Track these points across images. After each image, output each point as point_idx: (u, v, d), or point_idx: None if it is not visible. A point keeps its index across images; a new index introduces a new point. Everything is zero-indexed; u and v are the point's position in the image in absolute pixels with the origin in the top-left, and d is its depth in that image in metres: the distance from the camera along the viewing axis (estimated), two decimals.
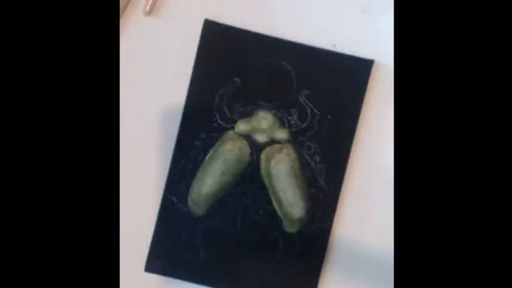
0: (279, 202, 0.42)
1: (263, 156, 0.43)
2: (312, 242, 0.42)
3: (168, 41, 0.44)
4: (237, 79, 0.43)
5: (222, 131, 0.43)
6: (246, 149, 0.43)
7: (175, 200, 0.43)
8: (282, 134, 0.43)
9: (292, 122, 0.43)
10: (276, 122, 0.43)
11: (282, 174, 0.42)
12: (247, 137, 0.43)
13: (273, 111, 0.43)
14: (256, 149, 0.43)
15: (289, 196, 0.42)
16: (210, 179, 0.43)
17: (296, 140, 0.43)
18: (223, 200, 0.43)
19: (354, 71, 0.43)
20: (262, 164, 0.43)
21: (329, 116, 0.43)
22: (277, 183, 0.42)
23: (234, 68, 0.43)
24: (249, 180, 0.43)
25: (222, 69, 0.43)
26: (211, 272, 0.42)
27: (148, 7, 0.44)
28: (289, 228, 0.42)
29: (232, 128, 0.43)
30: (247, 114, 0.43)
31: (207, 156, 0.43)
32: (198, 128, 0.43)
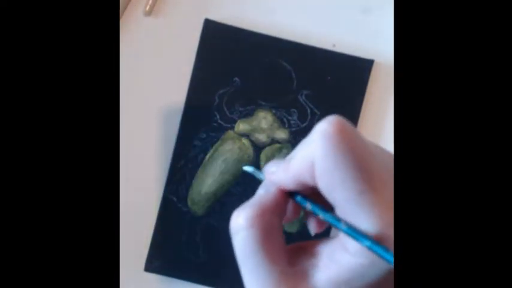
0: None
1: (263, 156, 0.43)
2: None
3: (168, 41, 0.44)
4: (237, 79, 0.43)
5: (222, 130, 0.43)
6: (246, 149, 0.43)
7: (175, 200, 0.43)
8: (281, 134, 0.43)
9: (292, 122, 0.43)
10: (276, 121, 0.43)
11: None
12: (247, 136, 0.43)
13: (273, 111, 0.43)
14: (256, 148, 0.43)
15: None
16: (210, 179, 0.43)
17: (296, 140, 0.43)
18: (223, 200, 0.43)
19: (354, 71, 0.43)
20: (262, 164, 0.43)
21: None
22: None
23: (234, 68, 0.43)
24: (249, 180, 0.43)
25: (222, 69, 0.43)
26: (211, 271, 0.42)
27: (148, 7, 0.44)
28: (289, 228, 0.42)
29: (232, 127, 0.43)
30: (247, 114, 0.43)
31: (207, 156, 0.43)
32: (198, 127, 0.43)
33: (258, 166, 0.43)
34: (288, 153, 0.43)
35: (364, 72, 0.43)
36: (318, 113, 0.43)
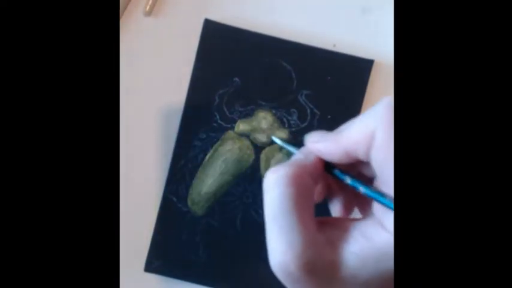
0: None
1: (263, 156, 0.43)
2: None
3: (168, 41, 0.44)
4: (237, 79, 0.43)
5: (222, 131, 0.43)
6: (246, 149, 0.43)
7: (175, 200, 0.43)
8: (281, 134, 0.43)
9: (292, 122, 0.43)
10: (276, 122, 0.43)
11: None
12: (247, 136, 0.43)
13: (273, 111, 0.43)
14: (256, 149, 0.43)
15: None
16: (210, 179, 0.43)
17: (296, 140, 0.43)
18: (223, 200, 0.43)
19: (354, 71, 0.43)
20: (262, 164, 0.43)
21: (329, 116, 0.43)
22: None
23: (234, 68, 0.43)
24: (249, 180, 0.43)
25: (222, 69, 0.43)
26: (211, 272, 0.42)
27: (148, 7, 0.44)
28: None
29: (232, 128, 0.43)
30: (247, 114, 0.43)
31: (207, 156, 0.43)
32: (198, 128, 0.43)
33: (258, 166, 0.43)
34: (287, 154, 0.43)
35: (364, 72, 0.43)
36: (318, 113, 0.43)
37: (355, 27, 0.44)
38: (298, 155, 0.28)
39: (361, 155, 0.26)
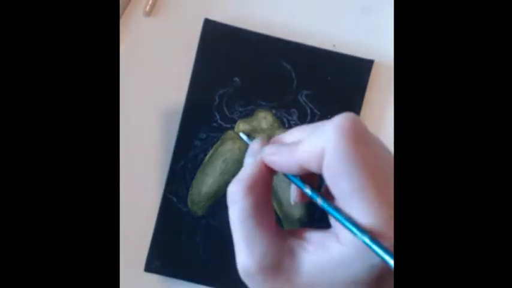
0: (279, 202, 0.42)
1: None
2: None
3: (168, 41, 0.44)
4: (237, 79, 0.43)
5: (221, 131, 0.43)
6: (246, 149, 0.43)
7: (175, 200, 0.43)
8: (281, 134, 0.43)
9: (292, 122, 0.43)
10: (276, 122, 0.43)
11: (282, 174, 0.42)
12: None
13: (273, 111, 0.43)
14: None
15: (288, 196, 0.42)
16: (210, 179, 0.43)
17: None
18: (223, 200, 0.43)
19: (354, 71, 0.43)
20: None
21: (329, 116, 0.42)
22: (277, 183, 0.42)
23: (234, 68, 0.43)
24: None
25: (222, 69, 0.43)
26: (211, 272, 0.42)
27: (148, 7, 0.44)
28: (289, 228, 0.42)
29: (232, 128, 0.43)
30: (247, 114, 0.43)
31: (207, 156, 0.43)
32: (198, 128, 0.43)
33: None
34: None
35: (364, 72, 0.43)
36: (318, 113, 0.43)
37: (355, 27, 0.44)
38: (248, 159, 0.31)
39: (314, 170, 0.27)
